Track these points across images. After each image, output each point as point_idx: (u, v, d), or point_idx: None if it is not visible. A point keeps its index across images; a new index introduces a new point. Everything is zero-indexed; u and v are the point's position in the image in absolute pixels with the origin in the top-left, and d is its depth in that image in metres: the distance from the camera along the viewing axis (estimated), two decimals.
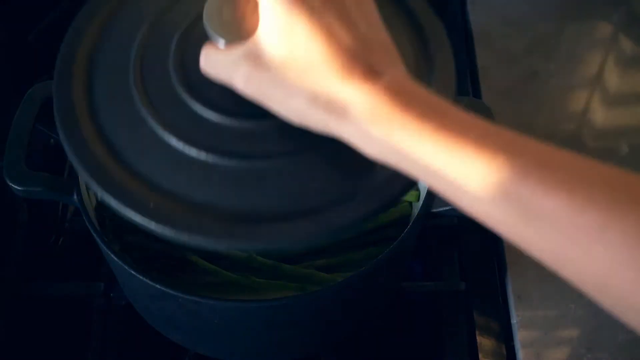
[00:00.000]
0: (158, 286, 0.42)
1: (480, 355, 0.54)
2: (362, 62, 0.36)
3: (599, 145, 0.64)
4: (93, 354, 0.54)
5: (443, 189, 0.35)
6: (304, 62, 0.36)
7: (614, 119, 0.66)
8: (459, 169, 0.33)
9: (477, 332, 0.55)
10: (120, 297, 0.56)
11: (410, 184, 0.37)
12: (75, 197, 0.46)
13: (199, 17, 0.41)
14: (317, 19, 0.36)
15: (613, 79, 0.69)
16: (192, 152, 0.40)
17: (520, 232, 0.34)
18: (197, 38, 0.42)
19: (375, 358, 0.57)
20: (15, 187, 0.46)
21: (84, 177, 0.41)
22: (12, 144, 0.48)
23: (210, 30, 0.40)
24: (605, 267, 0.31)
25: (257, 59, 0.37)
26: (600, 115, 0.66)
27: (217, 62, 0.39)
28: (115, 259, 0.43)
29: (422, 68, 0.44)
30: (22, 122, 0.49)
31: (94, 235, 0.47)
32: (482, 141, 0.33)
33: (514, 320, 0.55)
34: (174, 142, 0.40)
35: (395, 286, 0.55)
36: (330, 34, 0.36)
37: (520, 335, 0.54)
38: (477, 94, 0.67)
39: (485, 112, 0.51)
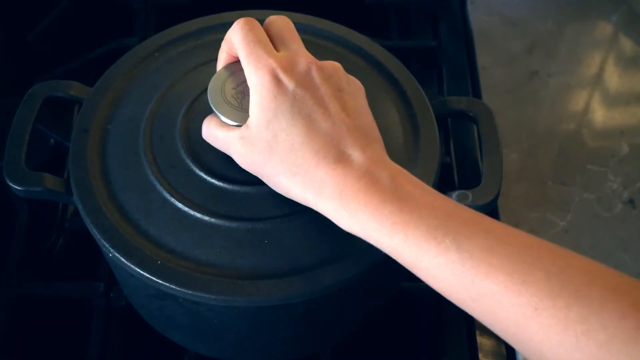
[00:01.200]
0: (158, 286, 0.42)
1: (480, 355, 0.54)
2: (334, 148, 0.40)
3: (599, 145, 0.64)
4: (93, 354, 0.54)
5: (404, 264, 0.38)
6: (286, 146, 0.40)
7: (614, 119, 0.66)
8: (412, 250, 0.37)
9: (477, 332, 0.55)
10: (120, 297, 0.56)
11: None
12: (75, 197, 0.46)
13: (204, 90, 0.45)
14: (298, 109, 0.40)
15: (613, 79, 0.69)
16: (196, 214, 0.44)
17: (470, 307, 0.37)
18: (202, 110, 0.46)
19: (375, 358, 0.57)
20: (15, 187, 0.46)
21: (96, 238, 0.44)
22: (12, 144, 0.48)
23: (213, 108, 0.44)
24: (542, 345, 0.34)
25: (248, 141, 0.42)
26: (600, 115, 0.66)
27: (216, 135, 0.44)
28: (115, 259, 0.43)
29: (409, 144, 0.48)
30: (22, 122, 0.49)
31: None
32: (436, 223, 0.37)
33: None
34: (180, 205, 0.44)
35: (395, 286, 0.55)
36: (309, 122, 0.40)
37: None
38: (477, 94, 0.67)
39: (485, 112, 0.51)
